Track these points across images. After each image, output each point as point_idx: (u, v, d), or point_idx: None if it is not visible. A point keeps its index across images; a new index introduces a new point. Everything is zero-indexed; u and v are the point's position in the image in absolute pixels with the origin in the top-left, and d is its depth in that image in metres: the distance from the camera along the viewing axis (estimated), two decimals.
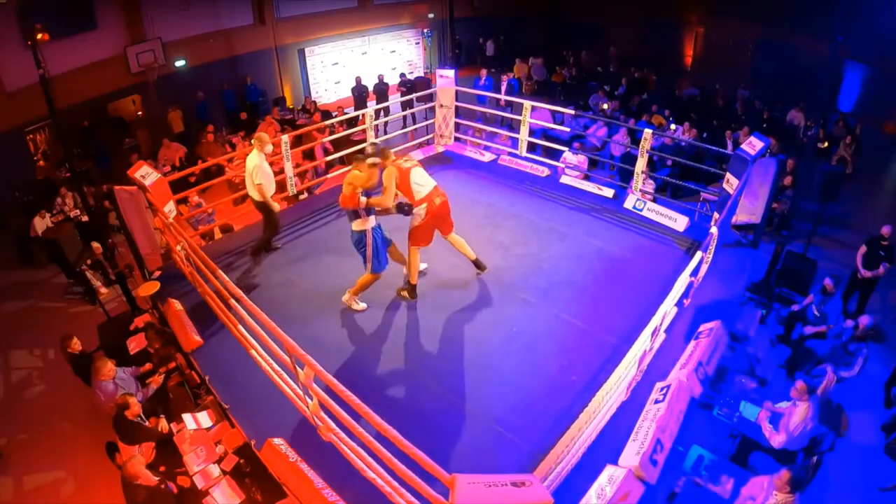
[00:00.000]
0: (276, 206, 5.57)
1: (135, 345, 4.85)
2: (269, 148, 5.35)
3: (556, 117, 10.36)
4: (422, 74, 14.42)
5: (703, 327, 4.39)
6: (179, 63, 10.87)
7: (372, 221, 4.41)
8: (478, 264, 5.08)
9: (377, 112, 9.54)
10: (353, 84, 11.95)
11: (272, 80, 12.76)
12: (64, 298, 7.15)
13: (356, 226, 4.41)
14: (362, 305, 4.78)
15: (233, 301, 3.78)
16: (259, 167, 5.18)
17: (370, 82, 12.06)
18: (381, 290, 4.98)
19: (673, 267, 5.06)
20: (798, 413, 3.91)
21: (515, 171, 7.41)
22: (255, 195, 5.32)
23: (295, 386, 3.44)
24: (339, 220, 6.27)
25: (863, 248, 6.09)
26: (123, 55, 9.80)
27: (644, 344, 3.56)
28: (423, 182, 4.61)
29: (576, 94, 13.79)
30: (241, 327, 3.91)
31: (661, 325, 3.88)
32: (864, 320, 4.93)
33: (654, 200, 6.71)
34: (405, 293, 4.87)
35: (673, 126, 10.16)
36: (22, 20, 7.82)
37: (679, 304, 4.40)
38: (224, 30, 11.63)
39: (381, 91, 11.78)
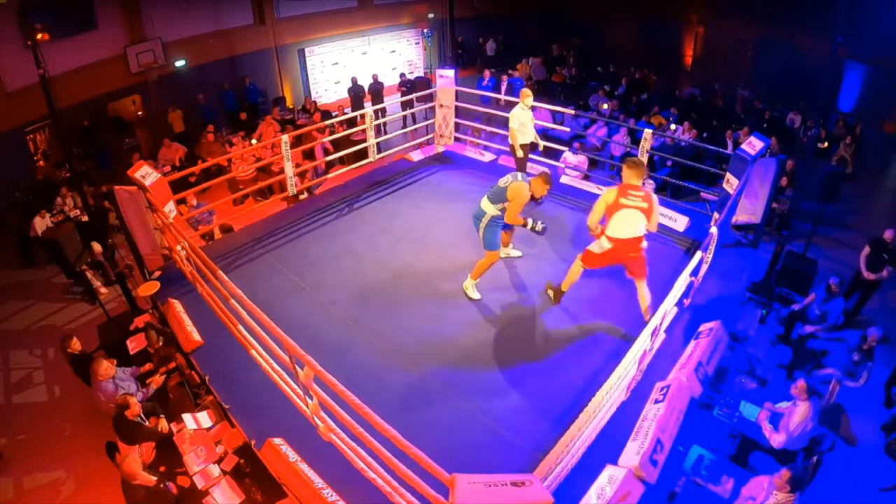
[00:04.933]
0: (520, 153, 6.33)
1: (135, 345, 4.85)
2: (528, 101, 6.20)
3: (556, 117, 10.37)
4: (422, 74, 14.43)
5: (703, 327, 4.38)
6: (179, 63, 10.88)
7: (499, 211, 4.49)
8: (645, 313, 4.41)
9: (376, 112, 9.53)
10: (350, 85, 11.94)
11: (272, 80, 12.77)
12: (64, 298, 7.15)
13: (490, 209, 4.49)
14: (477, 295, 4.78)
15: (233, 301, 3.78)
16: (515, 115, 6.16)
17: (366, 83, 12.06)
18: (382, 289, 4.99)
19: (673, 267, 5.06)
20: (798, 413, 3.91)
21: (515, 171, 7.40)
22: (509, 138, 6.35)
23: (295, 386, 3.44)
24: (339, 221, 6.27)
25: (866, 250, 6.07)
26: (123, 55, 9.81)
27: (644, 344, 3.56)
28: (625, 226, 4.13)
29: (576, 94, 13.81)
30: (241, 327, 3.91)
31: (661, 325, 3.88)
32: (873, 332, 4.93)
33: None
34: (551, 292, 4.75)
35: (673, 126, 10.16)
36: (22, 20, 7.83)
37: (679, 304, 4.40)
38: (224, 30, 11.64)
39: (376, 91, 11.76)
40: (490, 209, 4.51)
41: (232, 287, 3.71)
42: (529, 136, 6.37)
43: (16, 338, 6.41)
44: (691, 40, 15.84)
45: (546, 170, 5.27)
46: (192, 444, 3.74)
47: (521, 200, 4.39)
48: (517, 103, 6.28)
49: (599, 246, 4.29)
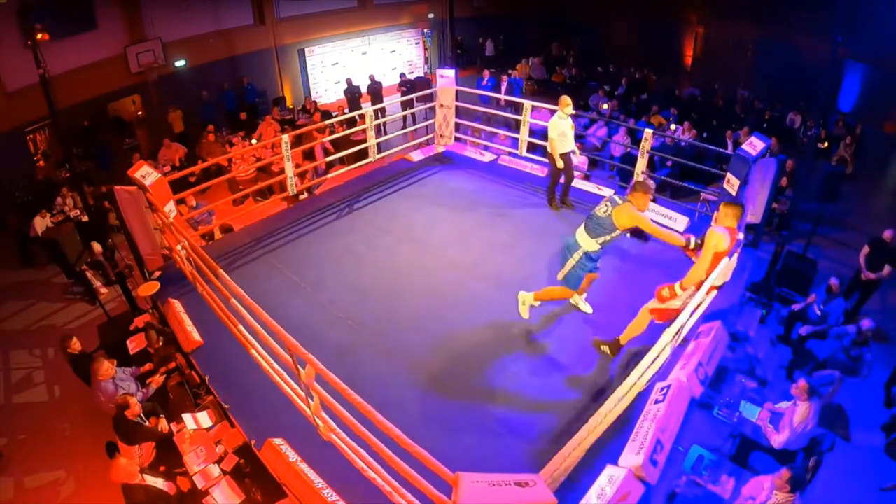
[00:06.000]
0: (559, 163, 6.01)
1: (135, 345, 4.85)
2: (568, 109, 5.90)
3: None
4: (422, 74, 14.43)
5: (703, 327, 4.38)
6: (179, 63, 10.88)
7: (598, 246, 4.05)
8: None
9: (376, 112, 9.55)
10: (346, 86, 11.91)
11: (272, 80, 12.77)
12: (64, 298, 7.15)
13: (588, 244, 4.03)
14: (527, 315, 4.40)
15: (233, 301, 3.78)
16: (554, 125, 5.86)
17: (363, 83, 12.03)
18: (382, 289, 4.98)
19: (674, 267, 5.05)
20: (798, 413, 3.91)
21: (515, 171, 7.40)
22: (549, 148, 6.01)
23: (295, 385, 3.44)
24: (339, 221, 6.27)
25: (865, 249, 6.07)
26: (123, 55, 9.80)
27: (664, 353, 3.54)
28: (722, 272, 3.78)
29: (576, 94, 13.80)
30: (241, 327, 3.91)
31: (680, 332, 3.87)
32: (866, 324, 4.92)
33: (654, 200, 6.68)
34: (606, 348, 4.15)
35: (673, 126, 10.17)
36: (22, 20, 7.82)
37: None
38: (224, 30, 11.64)
39: (375, 91, 11.76)
40: (588, 244, 4.03)
41: (233, 286, 3.71)
42: (570, 145, 6.03)
43: (16, 338, 6.41)
44: (691, 40, 15.85)
45: (643, 179, 4.78)
46: (192, 444, 3.74)
47: (641, 214, 3.85)
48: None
49: (679, 300, 3.74)
